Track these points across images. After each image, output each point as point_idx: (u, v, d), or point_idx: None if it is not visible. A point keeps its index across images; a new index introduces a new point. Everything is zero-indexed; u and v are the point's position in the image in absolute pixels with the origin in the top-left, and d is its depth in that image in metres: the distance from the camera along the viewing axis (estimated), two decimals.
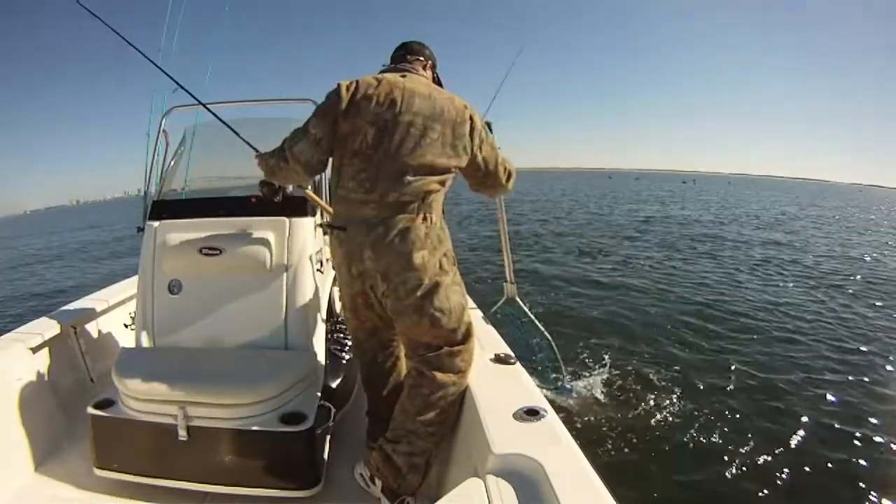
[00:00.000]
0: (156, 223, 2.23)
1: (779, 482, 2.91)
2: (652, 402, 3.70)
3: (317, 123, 1.71)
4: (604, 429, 3.30)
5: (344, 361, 2.32)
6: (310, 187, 2.25)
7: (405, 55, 1.90)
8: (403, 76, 1.75)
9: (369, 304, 1.77)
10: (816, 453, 3.18)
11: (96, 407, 1.81)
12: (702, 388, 4.00)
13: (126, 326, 2.51)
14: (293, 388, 1.83)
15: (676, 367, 4.33)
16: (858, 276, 8.56)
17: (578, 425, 3.30)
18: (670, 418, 3.51)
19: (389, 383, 1.94)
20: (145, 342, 2.12)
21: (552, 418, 1.38)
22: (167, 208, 2.28)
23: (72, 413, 2.15)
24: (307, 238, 2.18)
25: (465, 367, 1.67)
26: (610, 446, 3.13)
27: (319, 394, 1.93)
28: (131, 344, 2.17)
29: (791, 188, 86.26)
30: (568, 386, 3.85)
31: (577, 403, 3.61)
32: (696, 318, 5.87)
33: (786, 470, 3.01)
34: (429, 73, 1.91)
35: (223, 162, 2.81)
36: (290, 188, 2.12)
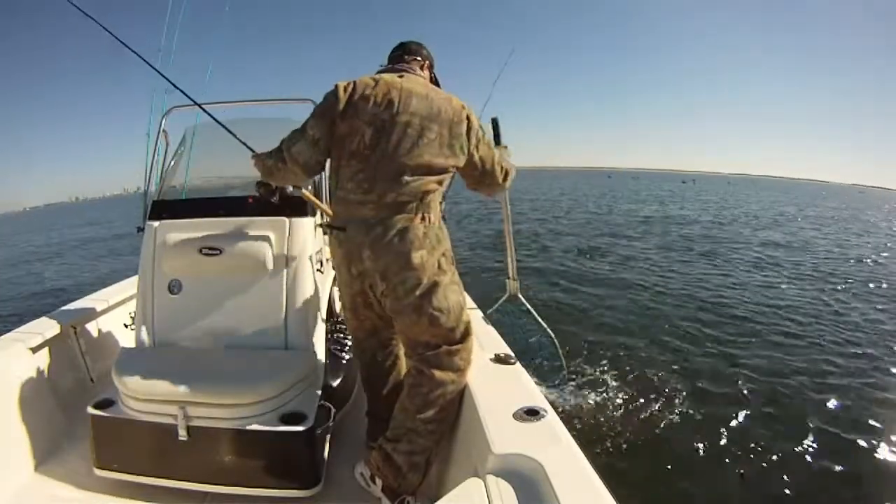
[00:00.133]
0: (156, 223, 2.23)
1: (779, 482, 2.92)
2: (652, 402, 3.70)
3: (315, 124, 1.72)
4: (604, 429, 3.30)
5: (344, 361, 2.32)
6: (310, 188, 2.26)
7: (403, 55, 1.90)
8: (401, 76, 1.76)
9: (368, 304, 1.78)
10: (815, 452, 3.19)
11: (96, 407, 1.81)
12: (702, 387, 4.00)
13: (126, 326, 2.51)
14: (293, 388, 1.83)
15: (675, 367, 4.33)
16: (857, 278, 8.56)
17: (578, 425, 3.30)
18: (670, 418, 3.51)
19: (389, 383, 1.95)
20: (145, 342, 2.12)
21: (552, 418, 1.39)
22: (167, 208, 2.29)
23: (72, 413, 2.15)
24: (307, 238, 2.19)
25: (463, 366, 1.68)
26: (610, 446, 3.13)
27: (319, 394, 1.93)
28: (131, 344, 2.17)
29: (790, 188, 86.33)
30: (569, 385, 3.85)
31: (577, 403, 3.61)
32: (695, 318, 5.88)
33: (786, 469, 3.01)
34: (426, 73, 1.92)
35: (223, 162, 2.81)
36: (288, 188, 2.13)
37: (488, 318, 2.43)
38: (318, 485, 1.77)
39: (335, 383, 2.16)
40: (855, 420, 3.62)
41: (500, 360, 1.82)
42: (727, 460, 3.06)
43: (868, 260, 10.54)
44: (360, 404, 2.13)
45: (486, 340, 2.00)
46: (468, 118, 1.74)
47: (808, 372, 4.40)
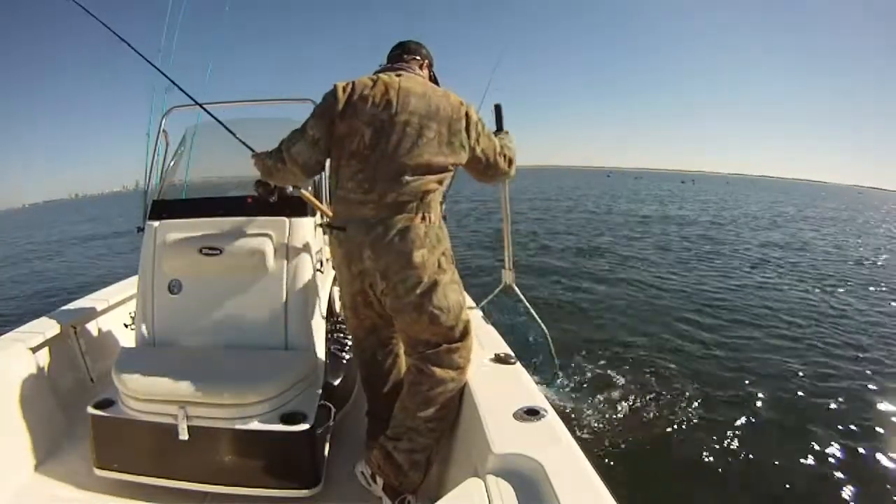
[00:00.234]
0: (156, 223, 2.23)
1: (779, 481, 2.92)
2: (651, 402, 3.70)
3: (314, 124, 1.73)
4: (604, 429, 3.29)
5: (344, 361, 2.33)
6: (309, 188, 2.26)
7: (402, 54, 1.91)
8: (399, 75, 1.76)
9: (369, 303, 1.79)
10: (814, 452, 3.19)
11: (96, 407, 1.81)
12: (701, 387, 4.00)
13: (126, 326, 2.51)
14: (293, 388, 1.84)
15: (675, 367, 4.33)
16: (857, 280, 8.56)
17: (578, 425, 3.30)
18: (670, 418, 3.51)
19: (389, 382, 1.95)
20: (145, 342, 2.12)
21: (552, 418, 1.39)
22: (167, 208, 2.29)
23: (72, 413, 2.15)
24: (307, 238, 2.19)
25: (463, 364, 1.69)
26: (610, 446, 3.12)
27: (319, 394, 1.93)
28: (131, 344, 2.18)
29: (790, 189, 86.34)
30: (564, 382, 3.85)
31: (577, 403, 3.61)
32: (694, 318, 5.88)
33: (785, 468, 3.02)
34: (425, 72, 1.93)
35: (223, 162, 2.81)
36: (288, 189, 2.13)
37: (485, 312, 2.43)
38: (319, 485, 1.77)
39: (335, 383, 2.17)
40: (854, 421, 3.62)
41: (500, 359, 1.82)
42: (726, 460, 3.06)
43: (867, 262, 10.54)
44: (360, 404, 2.13)
45: (485, 340, 2.01)
46: (467, 114, 1.74)
47: (806, 372, 4.40)
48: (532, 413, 1.40)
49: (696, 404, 3.69)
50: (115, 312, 2.68)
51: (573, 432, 1.33)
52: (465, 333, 1.73)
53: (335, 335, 2.46)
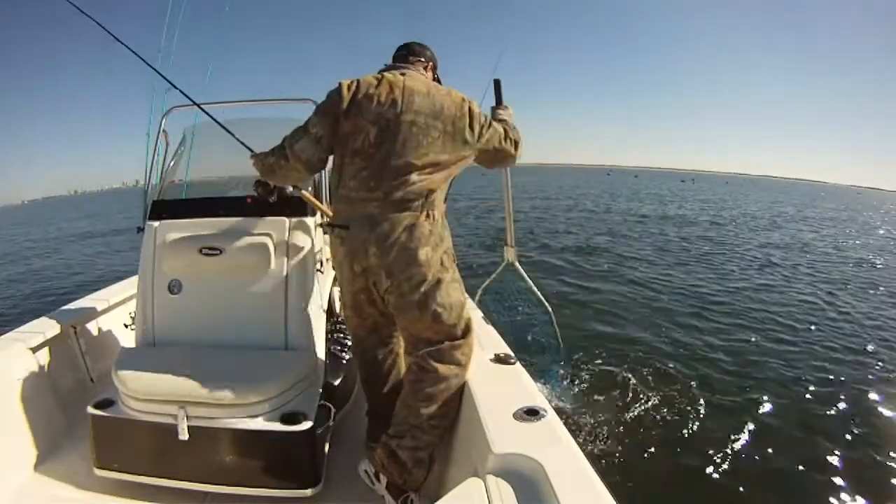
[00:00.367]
0: (156, 223, 2.23)
1: (780, 482, 2.93)
2: (651, 402, 3.70)
3: (318, 122, 1.74)
4: (604, 429, 3.30)
5: (344, 361, 2.33)
6: (309, 188, 2.26)
7: (407, 56, 1.93)
8: (403, 74, 1.78)
9: (372, 301, 1.80)
10: (813, 452, 3.19)
11: (96, 407, 1.81)
12: (700, 386, 4.00)
13: (126, 326, 2.51)
14: (293, 388, 1.84)
15: (674, 367, 4.33)
16: (856, 281, 8.55)
17: (578, 425, 3.30)
18: (669, 418, 3.51)
19: (389, 381, 1.96)
20: (145, 342, 2.13)
21: (552, 418, 1.39)
22: (167, 208, 2.29)
23: (72, 413, 2.15)
24: (307, 238, 2.19)
25: (465, 361, 1.70)
26: (610, 446, 3.13)
27: (319, 394, 1.93)
28: (131, 344, 2.18)
29: (789, 189, 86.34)
30: (564, 382, 3.85)
31: (576, 403, 3.62)
32: (692, 317, 5.89)
33: (787, 469, 3.02)
34: (429, 73, 1.94)
35: (223, 162, 2.82)
36: (288, 189, 2.14)
37: (486, 291, 2.41)
38: (319, 484, 1.77)
39: (335, 383, 2.17)
40: (854, 422, 3.62)
41: (500, 359, 1.82)
42: (726, 459, 3.06)
43: (866, 263, 10.52)
44: (360, 404, 2.14)
45: (486, 340, 2.01)
46: (470, 109, 1.76)
47: (806, 373, 4.41)
48: (532, 413, 1.40)
49: (695, 404, 3.70)
50: (115, 312, 2.68)
51: (573, 432, 1.34)
52: (467, 331, 1.74)
53: (335, 335, 2.46)
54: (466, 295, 1.85)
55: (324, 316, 2.30)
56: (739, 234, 14.35)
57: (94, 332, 2.53)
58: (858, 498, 2.80)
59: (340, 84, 1.75)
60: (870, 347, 5.18)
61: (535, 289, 2.87)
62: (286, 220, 2.17)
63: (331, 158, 1.83)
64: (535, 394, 1.57)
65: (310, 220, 2.23)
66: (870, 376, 4.44)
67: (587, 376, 4.06)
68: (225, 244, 2.09)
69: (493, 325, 2.25)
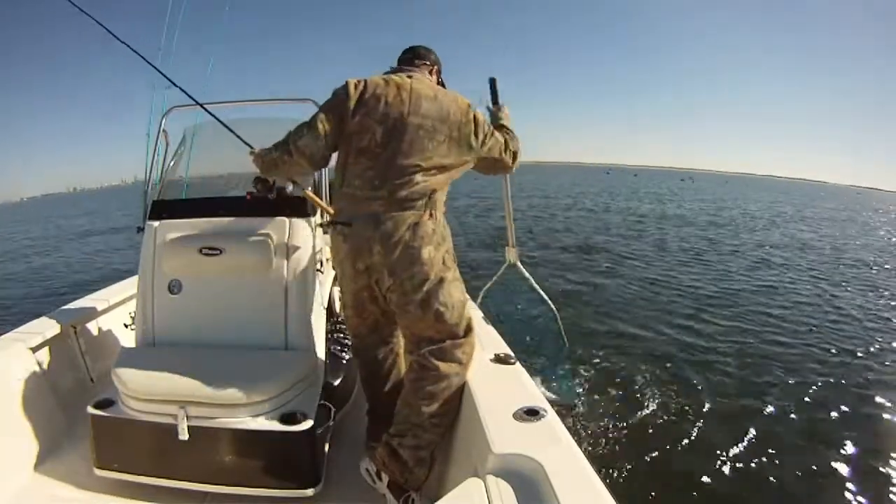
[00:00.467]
0: (156, 223, 2.23)
1: (779, 483, 2.93)
2: (651, 402, 3.70)
3: (324, 119, 1.75)
4: (604, 429, 3.30)
5: (344, 361, 2.33)
6: (310, 187, 2.26)
7: (412, 59, 1.94)
8: (410, 77, 1.80)
9: (373, 299, 1.80)
10: (813, 453, 3.21)
11: (96, 407, 1.81)
12: (700, 387, 4.01)
13: (126, 326, 2.51)
14: (293, 388, 1.84)
15: (674, 367, 4.34)
16: (855, 282, 8.55)
17: (578, 425, 3.30)
18: (669, 418, 3.52)
19: (390, 381, 1.96)
20: (145, 342, 2.13)
21: (552, 418, 1.39)
22: (167, 208, 2.29)
23: (72, 413, 2.15)
24: (307, 238, 2.19)
25: (466, 360, 1.71)
26: (610, 446, 3.13)
27: (319, 393, 1.93)
28: (131, 344, 2.19)
29: (789, 188, 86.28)
30: (569, 383, 3.86)
31: (576, 403, 3.62)
32: (691, 317, 5.90)
33: (786, 471, 3.02)
34: (434, 77, 1.96)
35: (223, 161, 2.82)
36: (289, 188, 2.13)
37: (489, 293, 2.41)
38: (319, 484, 1.77)
39: (335, 383, 2.17)
40: (852, 422, 3.64)
41: (500, 360, 1.82)
42: (725, 459, 3.07)
43: (864, 264, 10.50)
44: (360, 404, 2.14)
45: (486, 340, 2.01)
46: (474, 117, 1.78)
47: (805, 373, 4.42)
48: (532, 413, 1.40)
49: (695, 404, 3.70)
50: (115, 312, 2.68)
51: (573, 432, 1.34)
52: (469, 330, 1.75)
53: (335, 335, 2.47)
54: (467, 294, 1.86)
55: (324, 316, 2.30)
56: (739, 234, 14.35)
57: (94, 332, 2.53)
58: (858, 499, 2.81)
59: (347, 82, 1.76)
60: (870, 349, 5.18)
61: (538, 288, 2.87)
62: (286, 220, 2.17)
63: (333, 156, 1.84)
64: (535, 394, 1.57)
65: (310, 221, 2.23)
66: (870, 377, 4.45)
67: (587, 376, 4.07)
68: (225, 244, 2.09)
69: (493, 325, 2.26)
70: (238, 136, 1.98)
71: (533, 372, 3.76)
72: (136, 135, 2.74)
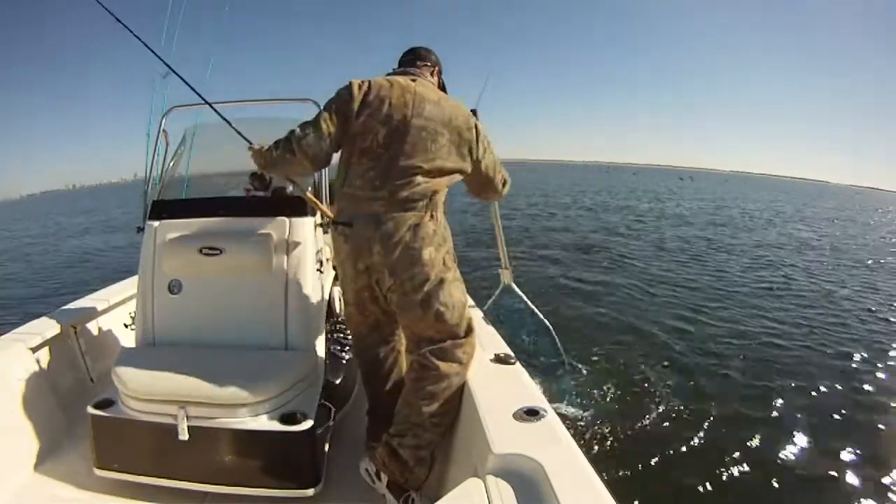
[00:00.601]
0: (156, 223, 2.23)
1: (779, 481, 2.94)
2: (651, 402, 3.71)
3: (328, 118, 1.75)
4: (604, 429, 3.30)
5: (344, 361, 2.33)
6: (310, 188, 2.26)
7: (414, 60, 1.95)
8: (413, 80, 1.80)
9: (374, 299, 1.81)
10: (812, 453, 3.21)
11: (96, 407, 1.81)
12: (700, 386, 4.02)
13: (126, 326, 2.51)
14: (293, 388, 1.84)
15: (674, 367, 4.34)
16: (854, 282, 8.55)
17: (578, 425, 3.31)
18: (669, 417, 3.52)
19: (390, 380, 1.97)
20: (145, 342, 2.13)
21: (552, 418, 1.39)
22: (167, 208, 2.29)
23: (72, 413, 2.15)
24: (307, 238, 2.19)
25: (466, 360, 1.71)
26: (610, 446, 3.13)
27: (320, 393, 1.93)
28: (131, 344, 2.19)
29: (789, 188, 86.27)
30: (568, 383, 3.86)
31: (576, 403, 3.62)
32: (691, 317, 5.90)
33: (786, 471, 3.04)
34: (435, 78, 1.97)
35: (223, 161, 2.81)
36: (289, 188, 2.13)
37: (487, 315, 2.45)
38: (319, 484, 1.77)
39: (335, 383, 2.17)
40: (850, 421, 3.65)
41: (500, 360, 1.83)
42: (726, 459, 3.07)
43: (862, 265, 10.49)
44: (361, 404, 2.14)
45: (486, 340, 2.01)
46: (476, 126, 1.80)
47: (804, 373, 4.42)
48: (532, 413, 1.41)
49: (694, 404, 3.70)
50: (115, 312, 2.68)
51: (573, 432, 1.34)
52: (469, 330, 1.76)
53: (335, 335, 2.47)
54: (468, 295, 1.86)
55: (324, 316, 2.30)
56: (738, 233, 14.34)
57: (94, 332, 2.53)
58: (856, 497, 2.82)
59: (351, 83, 1.76)
60: (871, 349, 5.18)
61: (533, 308, 2.89)
62: (286, 220, 2.17)
63: (335, 156, 1.84)
64: (535, 394, 1.58)
65: (310, 220, 2.23)
66: (871, 377, 4.46)
67: (586, 376, 4.07)
68: (225, 244, 2.09)
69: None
70: (237, 131, 1.97)
71: (532, 374, 3.76)
72: (135, 133, 2.73)
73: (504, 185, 2.01)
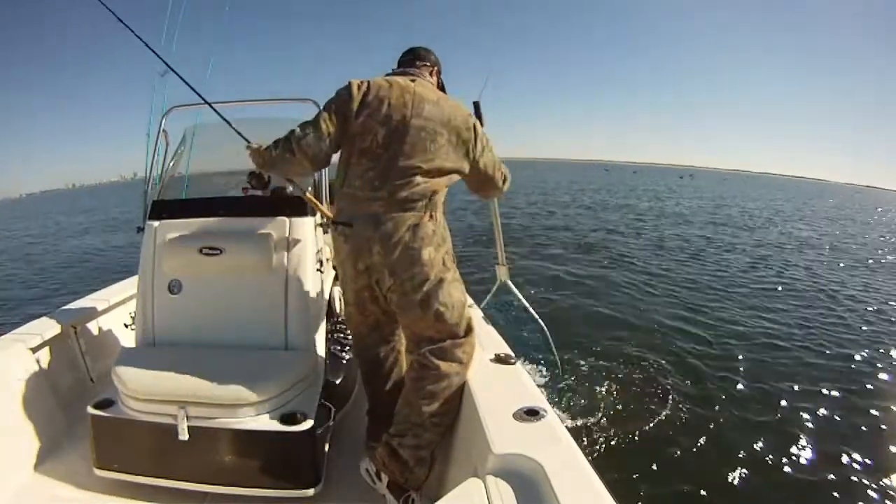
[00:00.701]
0: (156, 223, 2.23)
1: (778, 481, 2.94)
2: (650, 402, 3.71)
3: (328, 118, 1.75)
4: (604, 429, 3.31)
5: (344, 361, 2.34)
6: (310, 188, 2.26)
7: (413, 60, 1.95)
8: (413, 80, 1.81)
9: (374, 299, 1.81)
10: (811, 453, 3.21)
11: (96, 407, 1.81)
12: (699, 386, 4.02)
13: (126, 326, 2.51)
14: (293, 388, 1.84)
15: (673, 366, 4.34)
16: (852, 282, 8.55)
17: (578, 425, 3.31)
18: (669, 417, 3.52)
19: (390, 380, 1.97)
20: (145, 342, 2.13)
21: (552, 418, 1.39)
22: (167, 208, 2.29)
23: (72, 413, 2.15)
24: (307, 238, 2.19)
25: (466, 359, 1.72)
26: (610, 446, 3.14)
27: (320, 393, 1.93)
28: (131, 344, 2.18)
29: (787, 187, 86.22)
30: (567, 384, 3.86)
31: (576, 403, 3.62)
32: (691, 316, 5.91)
33: (785, 468, 3.04)
34: (434, 78, 1.97)
35: (223, 161, 2.81)
36: (288, 188, 2.13)
37: (485, 313, 2.45)
38: (319, 484, 1.77)
39: (335, 383, 2.18)
40: (848, 421, 3.65)
41: (500, 360, 1.83)
42: (726, 459, 3.08)
43: (863, 264, 10.49)
44: (361, 404, 2.14)
45: (486, 340, 2.01)
46: (475, 126, 1.80)
47: (803, 373, 4.43)
48: (532, 413, 1.41)
49: (695, 404, 3.71)
50: (115, 312, 2.68)
51: (573, 432, 1.34)
52: (469, 330, 1.76)
53: (335, 335, 2.47)
54: (467, 294, 1.86)
55: (324, 316, 2.30)
56: (737, 232, 14.34)
57: (94, 332, 2.53)
58: (855, 497, 2.82)
59: (351, 83, 1.76)
60: (871, 349, 5.18)
61: (528, 306, 2.89)
62: (286, 219, 2.17)
63: (334, 156, 1.84)
64: (535, 394, 1.57)
65: (310, 220, 2.23)
66: (864, 374, 4.48)
67: (586, 375, 4.07)
68: (225, 244, 2.09)
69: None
70: (236, 130, 1.97)
71: (527, 371, 3.76)
72: (134, 133, 2.73)
73: (504, 181, 2.02)
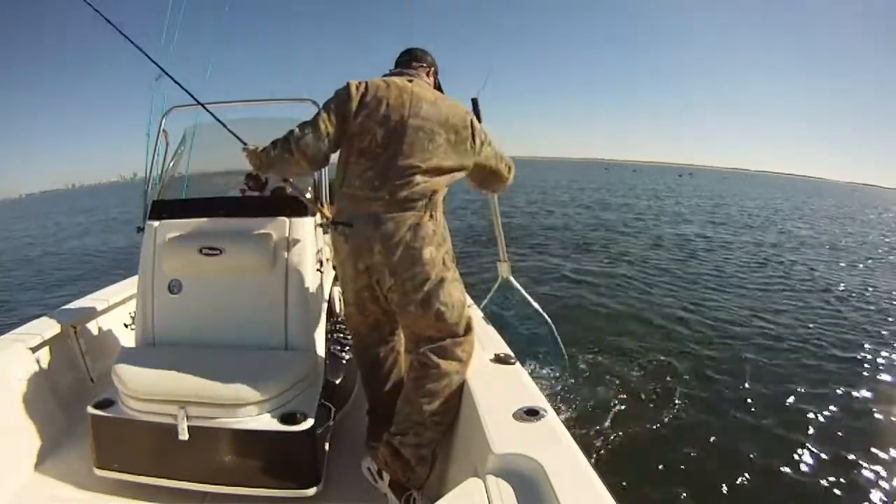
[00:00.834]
0: (156, 223, 2.23)
1: (778, 481, 2.94)
2: (650, 402, 3.71)
3: (327, 119, 1.75)
4: (604, 428, 3.30)
5: (344, 361, 2.34)
6: (309, 189, 2.26)
7: (410, 61, 1.96)
8: (410, 81, 1.81)
9: (374, 298, 1.82)
10: (810, 452, 3.20)
11: (96, 407, 1.82)
12: (700, 385, 4.01)
13: (126, 326, 2.52)
14: (293, 388, 1.84)
15: (673, 366, 4.34)
16: (852, 281, 8.54)
17: (578, 425, 3.30)
18: (669, 417, 3.52)
19: (390, 380, 1.97)
20: (145, 342, 2.13)
21: (552, 418, 1.40)
22: (167, 208, 2.29)
23: (72, 413, 2.15)
24: (307, 238, 2.20)
25: (466, 358, 1.72)
26: (610, 446, 3.13)
27: (320, 393, 1.94)
28: (131, 344, 2.19)
29: (787, 185, 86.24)
30: (567, 384, 3.86)
31: (576, 402, 3.62)
32: (691, 316, 5.89)
33: (784, 468, 3.03)
34: (431, 79, 1.98)
35: (223, 161, 2.81)
36: (288, 189, 2.13)
37: (487, 311, 2.44)
38: (319, 484, 1.78)
39: (335, 383, 2.18)
40: (847, 422, 3.64)
41: (500, 360, 1.83)
42: (726, 459, 3.07)
43: (861, 265, 10.45)
44: (361, 404, 2.15)
45: (486, 340, 2.01)
46: (472, 123, 1.81)
47: (803, 373, 4.42)
48: (532, 413, 1.41)
49: (695, 404, 3.70)
50: (115, 312, 2.69)
51: (573, 432, 1.34)
52: (469, 329, 1.77)
53: (335, 335, 2.47)
54: (466, 294, 1.87)
55: (324, 316, 2.30)
56: (737, 231, 14.32)
57: (94, 332, 2.53)
58: (855, 496, 2.82)
59: (349, 84, 1.77)
60: (871, 348, 5.17)
61: (532, 302, 2.88)
62: (286, 219, 2.18)
63: (333, 156, 1.84)
64: (535, 394, 1.58)
65: (309, 220, 2.23)
66: (863, 375, 4.47)
67: (586, 375, 4.06)
68: (225, 244, 2.09)
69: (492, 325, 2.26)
70: (231, 132, 1.97)
71: (530, 368, 3.76)
72: (134, 133, 2.73)
73: (510, 171, 2.03)
